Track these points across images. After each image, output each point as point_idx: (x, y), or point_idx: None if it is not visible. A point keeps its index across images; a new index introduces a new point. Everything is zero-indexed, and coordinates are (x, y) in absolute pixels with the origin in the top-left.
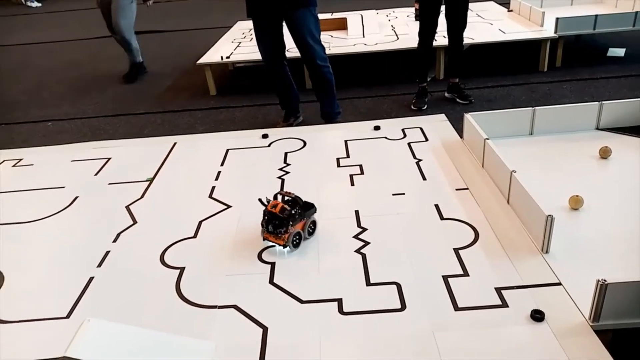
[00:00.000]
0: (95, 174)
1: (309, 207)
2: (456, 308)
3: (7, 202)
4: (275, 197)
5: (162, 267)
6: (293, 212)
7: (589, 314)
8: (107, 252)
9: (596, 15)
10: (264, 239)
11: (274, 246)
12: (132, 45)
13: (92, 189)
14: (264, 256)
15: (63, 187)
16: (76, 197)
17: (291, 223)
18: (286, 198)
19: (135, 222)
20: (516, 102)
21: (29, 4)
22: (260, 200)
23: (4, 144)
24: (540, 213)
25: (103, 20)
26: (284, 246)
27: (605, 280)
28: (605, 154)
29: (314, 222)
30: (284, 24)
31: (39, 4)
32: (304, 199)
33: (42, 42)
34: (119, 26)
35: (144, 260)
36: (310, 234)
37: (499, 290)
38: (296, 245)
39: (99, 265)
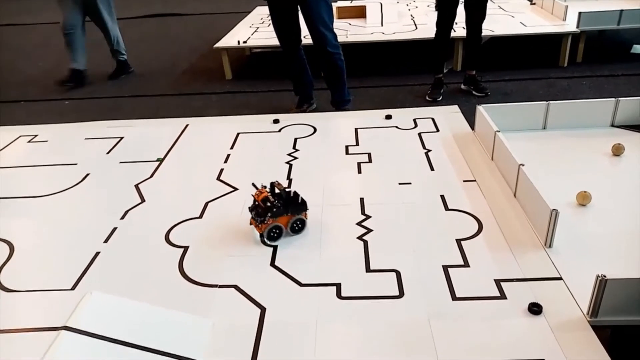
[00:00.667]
0: (107, 153)
1: (297, 205)
2: (454, 298)
3: (21, 177)
4: (272, 186)
5: (166, 245)
6: (272, 204)
7: (588, 309)
8: (114, 229)
9: (621, 10)
10: (250, 223)
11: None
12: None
13: (104, 167)
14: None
15: (75, 164)
16: (87, 174)
17: (269, 215)
18: (276, 190)
19: (143, 200)
20: (533, 97)
21: None
22: (254, 184)
23: (20, 120)
24: (545, 207)
25: (123, 2)
26: (261, 235)
27: (604, 276)
28: (617, 151)
29: (301, 221)
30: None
31: None
32: (302, 196)
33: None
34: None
35: (149, 237)
36: (296, 231)
37: (498, 282)
38: (271, 239)
39: (106, 241)
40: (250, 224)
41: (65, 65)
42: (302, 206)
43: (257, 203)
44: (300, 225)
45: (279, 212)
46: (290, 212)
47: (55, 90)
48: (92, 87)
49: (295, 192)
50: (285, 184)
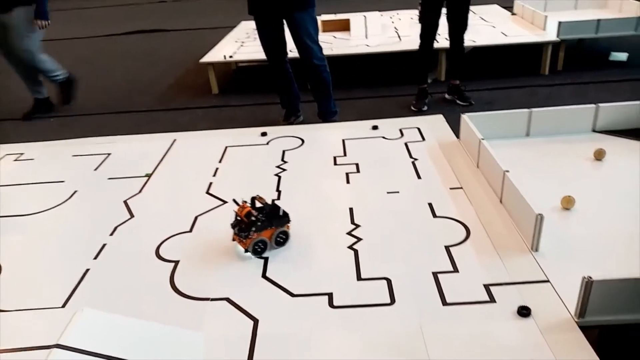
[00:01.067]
0: (95, 169)
1: (280, 217)
2: (444, 303)
3: (8, 195)
4: (252, 200)
5: (157, 260)
6: (256, 218)
7: (575, 310)
8: (104, 245)
9: (598, 20)
10: (232, 239)
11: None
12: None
13: (92, 184)
14: None
15: (63, 182)
16: (75, 191)
17: (253, 229)
18: (257, 204)
19: (132, 216)
20: (516, 105)
21: None
22: (234, 200)
23: (5, 139)
24: (530, 212)
25: (108, 19)
26: (246, 250)
27: (590, 277)
28: (599, 155)
29: (284, 233)
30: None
31: None
32: (283, 209)
33: (51, 39)
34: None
35: (139, 253)
36: (280, 244)
37: (487, 286)
38: (257, 252)
39: (95, 257)
40: (233, 239)
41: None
42: (285, 218)
43: (239, 218)
44: (284, 238)
45: (263, 226)
46: (273, 225)
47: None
48: (76, 104)
49: (276, 205)
50: (274, 195)
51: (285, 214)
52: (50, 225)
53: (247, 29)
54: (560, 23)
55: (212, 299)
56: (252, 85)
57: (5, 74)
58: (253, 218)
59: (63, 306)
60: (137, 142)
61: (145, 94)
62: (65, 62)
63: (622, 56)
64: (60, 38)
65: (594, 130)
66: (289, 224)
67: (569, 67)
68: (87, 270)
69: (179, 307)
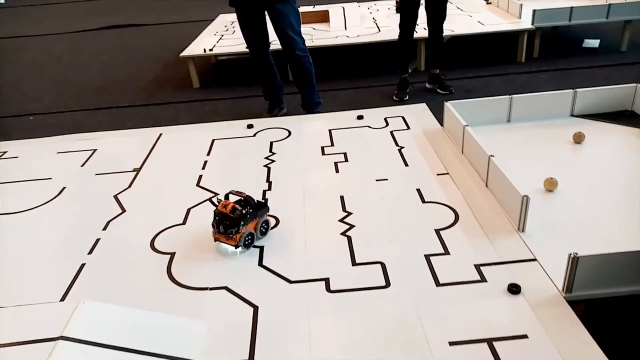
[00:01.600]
0: (82, 165)
1: (261, 207)
2: (437, 284)
3: None
4: (226, 197)
5: (152, 252)
6: (244, 211)
7: (562, 286)
8: (97, 240)
9: (571, 7)
10: (215, 240)
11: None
12: None
13: (80, 180)
14: None
15: (50, 179)
16: (64, 188)
17: (242, 223)
18: (237, 198)
19: (124, 210)
20: (495, 92)
21: None
22: (210, 200)
23: None
24: (516, 194)
25: (80, 14)
26: (236, 246)
27: (576, 254)
28: (579, 139)
29: (266, 222)
30: (266, 15)
31: (2, 1)
32: (258, 198)
33: (19, 35)
34: None
35: (134, 246)
36: (263, 233)
37: (477, 266)
38: (247, 246)
39: (90, 252)
40: (216, 239)
41: (27, 80)
42: (265, 207)
43: (222, 215)
44: (266, 227)
45: (250, 218)
46: (257, 216)
47: (18, 105)
48: (52, 101)
49: (250, 196)
50: (265, 186)
51: (265, 204)
52: (42, 222)
53: (226, 22)
54: (534, 11)
55: (211, 288)
56: (233, 78)
57: None
58: (243, 211)
59: (62, 300)
60: (123, 138)
61: (124, 90)
62: (39, 59)
63: (595, 43)
64: (33, 35)
65: (572, 115)
66: (268, 212)
67: (545, 54)
68: (83, 264)
69: (178, 297)
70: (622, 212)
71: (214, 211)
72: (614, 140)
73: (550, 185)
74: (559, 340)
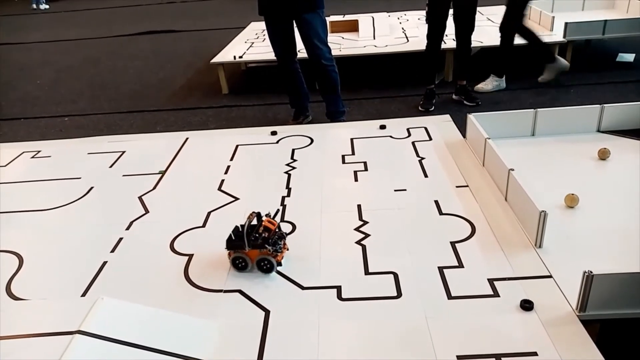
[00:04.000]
0: (110, 166)
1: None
2: (449, 297)
3: (26, 191)
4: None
5: (171, 253)
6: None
7: (576, 304)
8: (120, 239)
9: (605, 21)
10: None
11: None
12: None
13: (107, 180)
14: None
15: (79, 178)
16: (91, 188)
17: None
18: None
19: (147, 211)
20: (523, 105)
21: (41, 7)
22: (258, 214)
23: (22, 138)
24: (534, 209)
25: (117, 20)
26: (279, 264)
27: (591, 272)
28: (603, 155)
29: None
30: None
31: (47, 6)
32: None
33: (61, 39)
34: None
35: (154, 247)
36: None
37: (491, 281)
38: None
39: (112, 250)
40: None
41: (64, 82)
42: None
43: (270, 232)
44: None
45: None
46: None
47: (55, 106)
48: (87, 103)
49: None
50: (285, 192)
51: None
52: (68, 220)
53: (257, 29)
54: (567, 24)
55: (225, 291)
56: (261, 85)
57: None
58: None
59: (83, 295)
60: (151, 141)
61: (156, 94)
62: (75, 62)
63: (629, 57)
64: (70, 39)
65: (598, 131)
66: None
67: (576, 67)
68: (105, 262)
69: (193, 298)
70: None
71: (267, 225)
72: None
73: (571, 201)
74: (569, 359)
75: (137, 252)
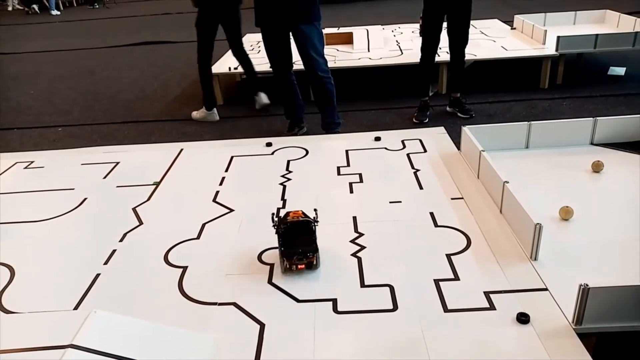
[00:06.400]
0: (104, 177)
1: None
2: (445, 310)
3: (19, 202)
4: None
5: (165, 265)
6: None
7: (572, 317)
8: (114, 251)
9: (597, 35)
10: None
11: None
12: None
13: (101, 191)
14: (264, 258)
15: (73, 189)
16: (85, 199)
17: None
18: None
19: (141, 223)
20: (516, 118)
21: (51, 12)
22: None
23: (15, 148)
24: (529, 222)
25: (111, 31)
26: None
27: (587, 285)
28: (597, 167)
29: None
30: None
31: (59, 12)
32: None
33: (54, 50)
34: None
35: (148, 258)
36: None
37: (487, 294)
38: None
39: (106, 262)
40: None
41: (58, 92)
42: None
43: (295, 226)
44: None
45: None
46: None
47: (49, 117)
48: (81, 113)
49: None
50: (280, 204)
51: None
52: (61, 231)
53: (252, 41)
54: (559, 38)
55: (220, 304)
56: None
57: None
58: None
59: (75, 309)
60: (145, 152)
61: (151, 105)
62: (69, 73)
63: (620, 71)
64: (65, 49)
65: (592, 143)
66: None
67: (568, 81)
68: (98, 274)
69: (187, 311)
70: (639, 244)
71: (290, 221)
72: (633, 170)
73: (566, 214)
74: None
75: (130, 264)
